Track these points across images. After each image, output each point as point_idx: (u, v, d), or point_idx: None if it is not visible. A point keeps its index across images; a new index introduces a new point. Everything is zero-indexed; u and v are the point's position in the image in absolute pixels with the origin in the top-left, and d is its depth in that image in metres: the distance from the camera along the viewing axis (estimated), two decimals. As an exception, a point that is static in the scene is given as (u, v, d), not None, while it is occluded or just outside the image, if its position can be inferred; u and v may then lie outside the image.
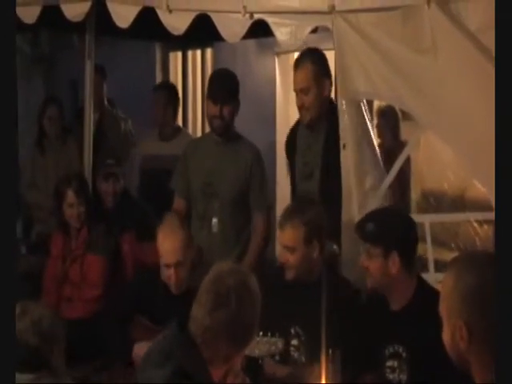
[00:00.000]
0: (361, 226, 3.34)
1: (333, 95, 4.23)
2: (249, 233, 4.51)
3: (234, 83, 4.56)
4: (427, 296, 3.12)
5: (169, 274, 3.79)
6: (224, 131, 4.51)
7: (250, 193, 4.50)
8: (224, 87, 4.48)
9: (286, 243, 3.57)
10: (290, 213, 3.61)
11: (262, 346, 3.31)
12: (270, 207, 4.65)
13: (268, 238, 4.53)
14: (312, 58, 4.17)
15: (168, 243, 3.79)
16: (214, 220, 4.46)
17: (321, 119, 4.18)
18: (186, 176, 4.61)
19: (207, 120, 4.63)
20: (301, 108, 4.22)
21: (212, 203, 4.48)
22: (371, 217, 3.36)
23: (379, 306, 3.35)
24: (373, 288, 3.34)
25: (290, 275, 3.59)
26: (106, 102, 6.36)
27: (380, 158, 3.90)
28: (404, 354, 3.24)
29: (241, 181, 4.48)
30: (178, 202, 4.64)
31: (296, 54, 4.58)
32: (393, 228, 3.27)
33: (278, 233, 3.61)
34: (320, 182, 4.17)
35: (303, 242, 3.55)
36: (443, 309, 2.10)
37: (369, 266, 3.27)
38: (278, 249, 3.61)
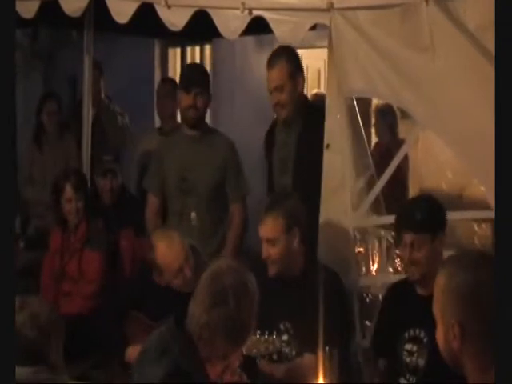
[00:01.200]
0: (407, 217, 3.35)
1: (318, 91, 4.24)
2: (225, 225, 4.55)
3: (205, 76, 4.64)
4: None
5: (182, 278, 3.79)
6: (197, 122, 4.54)
7: (226, 185, 4.53)
8: (196, 77, 4.56)
9: (267, 235, 3.58)
10: (268, 206, 3.63)
11: (259, 345, 3.31)
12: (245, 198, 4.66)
13: (245, 228, 4.56)
14: (286, 56, 4.17)
15: (171, 249, 3.82)
16: (193, 214, 4.48)
17: (296, 115, 4.21)
18: (161, 174, 4.63)
19: (180, 113, 4.67)
20: (276, 106, 4.22)
21: (189, 198, 4.50)
22: (416, 206, 3.38)
23: (405, 289, 3.38)
24: (419, 277, 3.33)
25: (272, 270, 3.60)
26: (103, 97, 6.34)
27: (371, 160, 3.92)
28: (425, 340, 3.26)
29: (216, 173, 4.51)
30: (152, 201, 4.66)
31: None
32: (437, 211, 3.33)
33: (259, 227, 3.62)
34: (293, 177, 4.20)
35: (283, 231, 3.56)
36: (436, 307, 2.10)
37: (416, 256, 3.28)
38: (262, 244, 3.63)
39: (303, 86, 4.27)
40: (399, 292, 3.46)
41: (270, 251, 3.58)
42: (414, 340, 3.31)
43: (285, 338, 3.59)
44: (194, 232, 4.45)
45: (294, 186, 4.16)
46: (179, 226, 4.43)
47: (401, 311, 3.38)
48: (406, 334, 3.33)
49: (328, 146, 3.76)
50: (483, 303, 1.99)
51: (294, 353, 3.59)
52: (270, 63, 4.22)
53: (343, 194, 3.76)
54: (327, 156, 3.78)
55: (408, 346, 3.33)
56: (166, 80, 6.61)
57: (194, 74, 4.63)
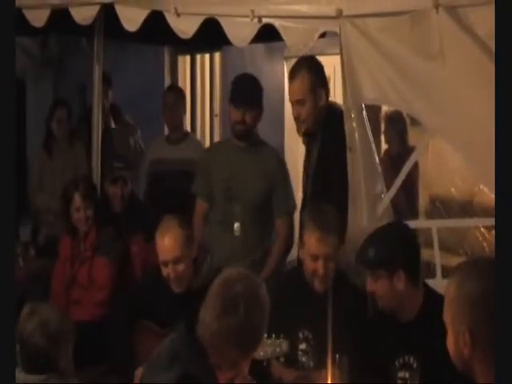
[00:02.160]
0: (361, 253, 3.30)
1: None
2: (270, 238, 4.53)
3: (257, 88, 4.55)
4: (436, 305, 3.10)
5: (167, 272, 3.81)
6: (246, 136, 4.51)
7: (272, 198, 4.49)
8: (247, 92, 4.48)
9: (314, 252, 3.58)
10: (311, 220, 3.64)
11: (266, 347, 3.29)
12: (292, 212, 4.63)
13: (291, 243, 4.53)
14: (308, 68, 4.10)
15: (163, 240, 3.82)
16: (237, 224, 4.46)
17: (317, 128, 4.16)
18: (208, 179, 4.61)
19: (230, 125, 4.59)
20: (297, 119, 4.16)
21: (233, 207, 4.48)
22: (370, 242, 3.31)
23: (388, 317, 3.34)
24: (382, 308, 3.32)
25: (320, 287, 3.60)
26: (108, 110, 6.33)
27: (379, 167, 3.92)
28: (415, 365, 3.24)
29: (263, 186, 4.48)
30: (200, 205, 4.65)
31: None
32: (394, 248, 3.25)
33: (307, 242, 3.62)
34: (311, 187, 4.19)
35: (332, 248, 3.58)
36: (447, 315, 2.10)
37: (375, 289, 3.27)
38: (304, 258, 3.64)
39: (327, 99, 4.17)
40: (382, 319, 3.39)
41: (318, 268, 3.57)
42: (406, 367, 3.28)
43: (303, 347, 3.60)
44: (238, 243, 4.44)
45: (311, 198, 4.15)
46: (223, 235, 4.44)
47: (386, 339, 3.34)
48: (397, 362, 3.29)
49: (350, 148, 3.74)
50: (493, 310, 1.99)
51: (311, 363, 3.59)
52: (291, 75, 4.17)
53: (360, 199, 3.76)
54: (350, 159, 3.75)
55: (401, 374, 3.30)
56: (172, 88, 6.61)
57: (245, 88, 4.51)
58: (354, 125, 3.72)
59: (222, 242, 4.37)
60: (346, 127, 3.74)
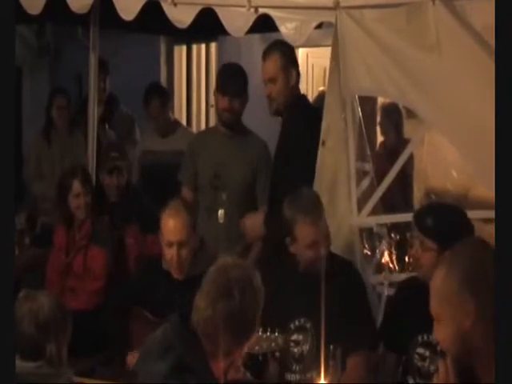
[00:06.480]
0: (420, 218, 3.33)
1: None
2: None
3: (242, 77, 4.60)
4: None
5: (171, 255, 3.78)
6: (233, 124, 4.55)
7: (256, 186, 4.53)
8: (233, 80, 4.53)
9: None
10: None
11: (262, 342, 3.31)
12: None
13: None
14: (280, 49, 4.20)
15: (172, 222, 3.80)
16: (221, 211, 4.48)
17: (285, 108, 4.23)
18: (194, 168, 4.65)
19: (216, 113, 4.64)
20: (268, 97, 4.26)
21: (219, 195, 4.50)
22: (431, 211, 3.35)
23: (418, 294, 3.35)
24: (422, 279, 3.30)
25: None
26: (106, 97, 6.30)
27: (370, 159, 3.94)
28: (439, 347, 3.23)
29: (248, 173, 4.53)
30: (186, 193, 4.67)
31: (301, 50, 4.59)
32: (452, 226, 3.25)
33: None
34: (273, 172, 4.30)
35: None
36: (434, 305, 2.09)
37: (421, 257, 3.29)
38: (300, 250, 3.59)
39: (297, 80, 4.26)
40: (411, 291, 3.40)
41: (318, 255, 3.49)
42: (427, 345, 3.29)
43: (294, 337, 3.59)
44: (222, 231, 4.47)
45: (272, 181, 4.24)
46: (208, 223, 4.45)
47: (412, 312, 3.32)
48: (420, 338, 3.31)
49: (324, 142, 3.77)
50: (483, 294, 1.99)
51: (305, 350, 3.58)
52: (264, 55, 4.27)
53: (340, 192, 3.77)
54: (322, 153, 3.78)
55: (420, 350, 3.32)
56: (151, 97, 6.33)
57: (231, 77, 4.58)
58: (340, 118, 3.74)
59: (206, 229, 4.38)
60: (324, 121, 3.76)
